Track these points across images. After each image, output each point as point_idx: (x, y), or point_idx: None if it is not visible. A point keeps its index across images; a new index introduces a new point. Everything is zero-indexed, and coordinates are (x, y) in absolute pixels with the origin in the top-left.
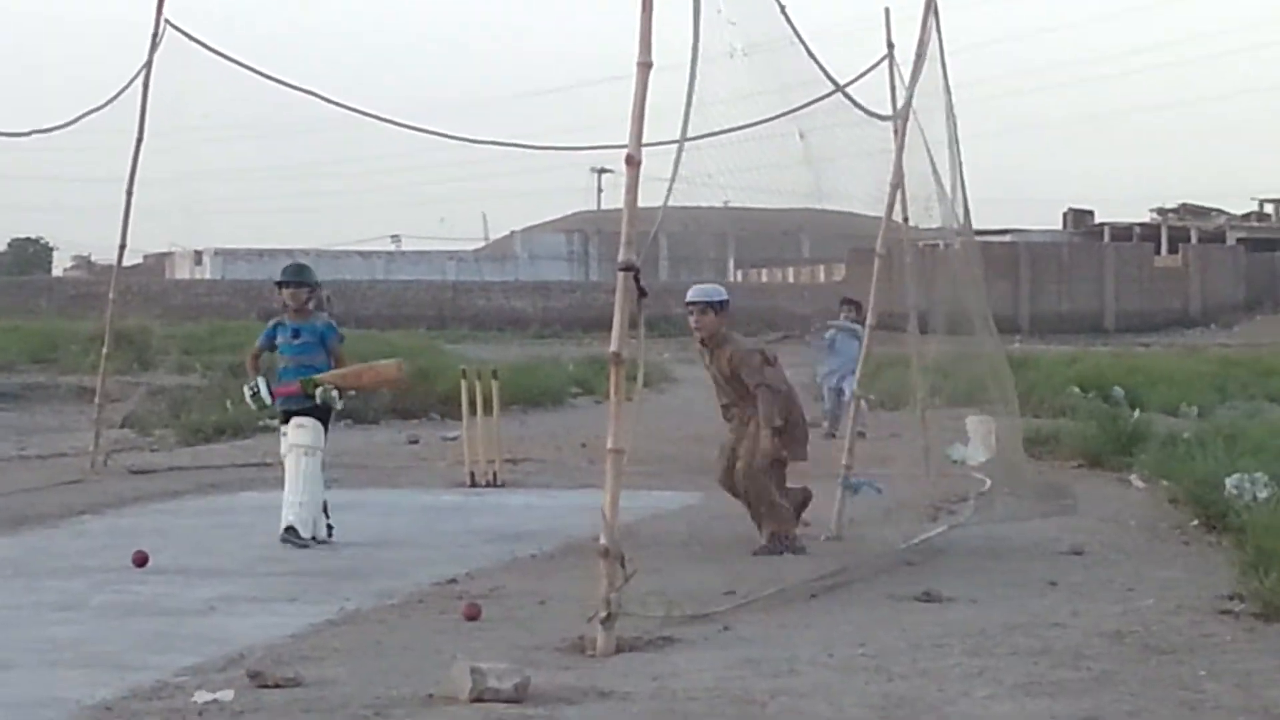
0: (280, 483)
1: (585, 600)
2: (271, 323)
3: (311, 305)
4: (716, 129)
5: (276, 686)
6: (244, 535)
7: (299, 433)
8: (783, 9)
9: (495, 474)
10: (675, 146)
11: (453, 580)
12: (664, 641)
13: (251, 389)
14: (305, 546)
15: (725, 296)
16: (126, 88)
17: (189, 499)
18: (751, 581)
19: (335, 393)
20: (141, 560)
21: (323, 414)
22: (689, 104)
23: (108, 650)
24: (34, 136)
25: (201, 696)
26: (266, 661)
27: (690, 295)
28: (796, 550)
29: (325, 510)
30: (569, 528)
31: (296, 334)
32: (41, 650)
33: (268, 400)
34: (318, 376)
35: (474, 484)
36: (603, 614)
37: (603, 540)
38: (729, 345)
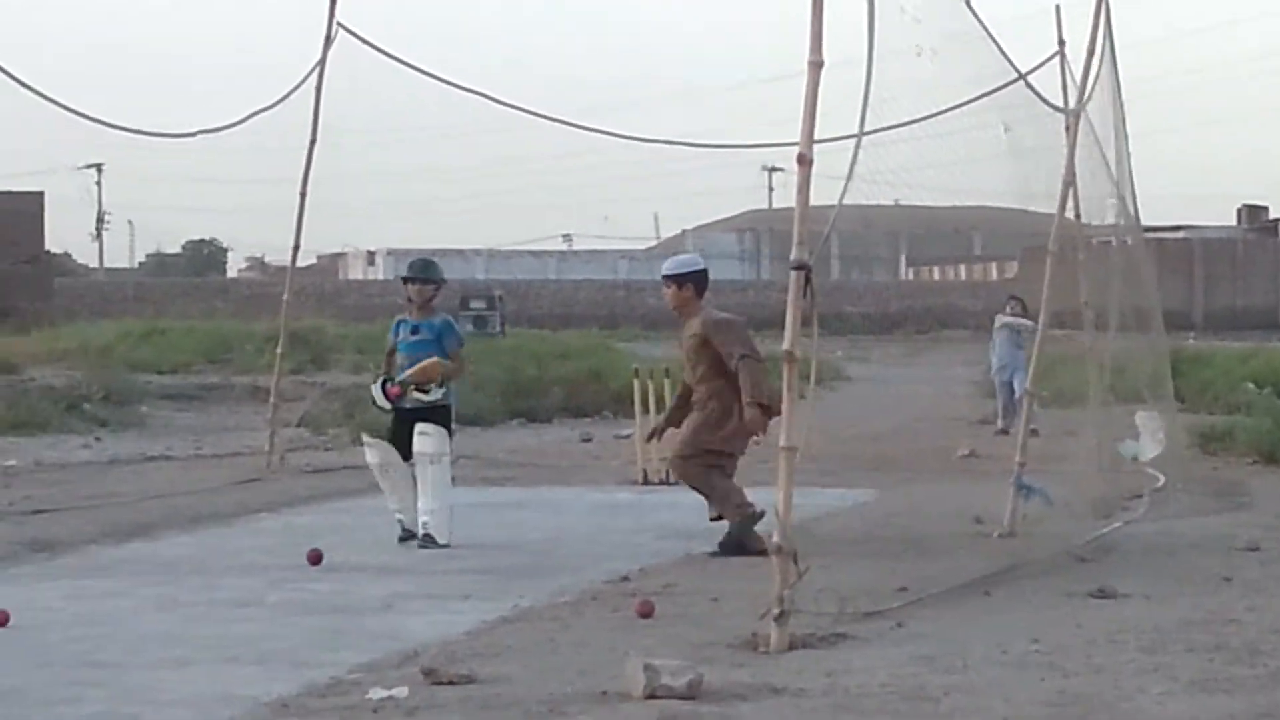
0: (372, 490)
1: (758, 597)
2: (396, 319)
3: (436, 303)
4: (891, 125)
5: (450, 684)
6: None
7: (423, 440)
8: (968, 3)
9: (668, 472)
10: (844, 144)
11: (626, 578)
12: (837, 638)
13: (371, 398)
14: (445, 547)
15: (700, 266)
16: (296, 88)
17: (363, 498)
18: (925, 578)
19: (428, 387)
20: (316, 559)
21: (443, 418)
22: (865, 102)
23: (284, 647)
24: (205, 138)
25: (376, 693)
26: (441, 659)
27: (664, 268)
28: (755, 518)
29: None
30: None
31: (415, 330)
32: (219, 647)
33: (385, 405)
34: (402, 376)
35: (647, 482)
36: (776, 611)
37: (776, 537)
38: (700, 314)
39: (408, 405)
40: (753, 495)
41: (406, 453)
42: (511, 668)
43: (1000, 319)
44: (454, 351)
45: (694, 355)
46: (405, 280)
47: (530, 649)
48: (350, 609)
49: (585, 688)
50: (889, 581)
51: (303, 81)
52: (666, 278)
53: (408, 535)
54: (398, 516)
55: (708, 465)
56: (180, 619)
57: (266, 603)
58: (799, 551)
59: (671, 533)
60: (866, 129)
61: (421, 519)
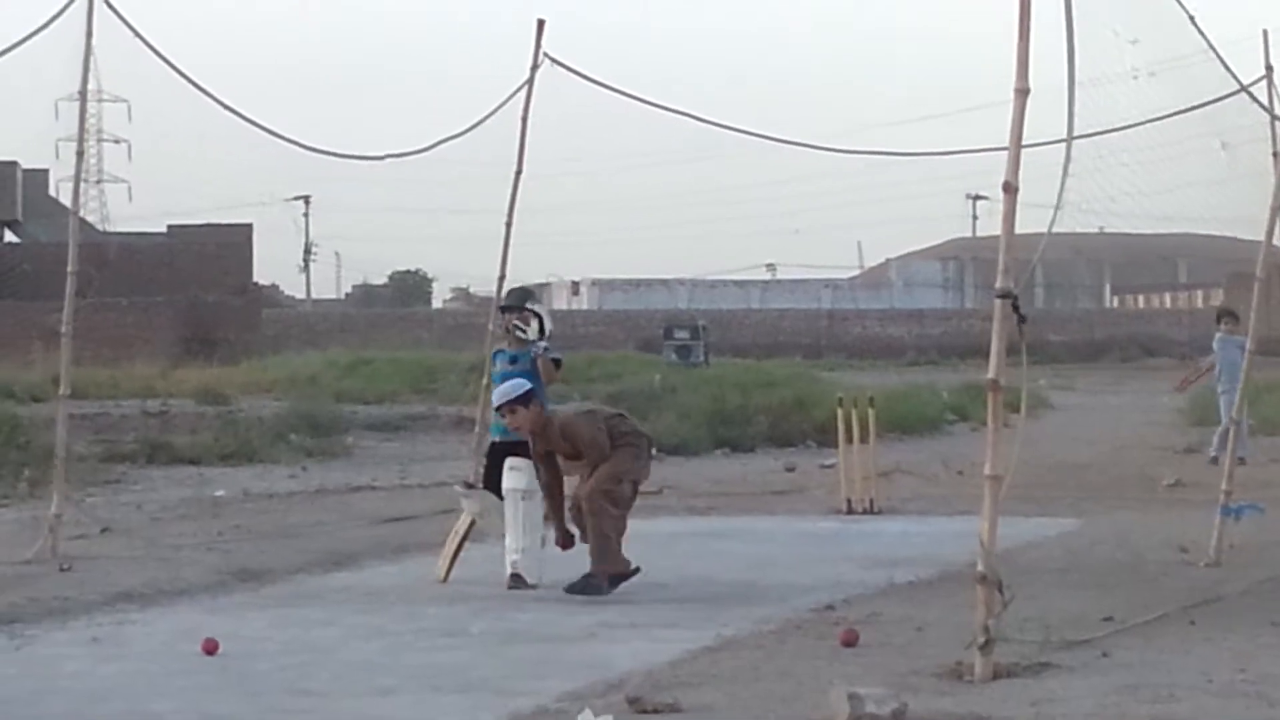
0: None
1: (963, 626)
2: (495, 349)
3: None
4: (1099, 153)
5: (655, 712)
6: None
7: (514, 475)
8: (1192, 19)
9: (872, 501)
10: (1051, 173)
11: (830, 606)
12: (1042, 667)
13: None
14: (534, 588)
15: (527, 387)
16: (488, 117)
17: None
18: (1130, 607)
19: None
20: (211, 649)
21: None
22: (1070, 130)
23: (489, 676)
24: (411, 168)
25: None
26: (645, 687)
27: (495, 400)
28: (598, 589)
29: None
30: (946, 554)
31: (514, 360)
32: (424, 676)
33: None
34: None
35: (851, 511)
36: (981, 640)
37: (980, 566)
38: (553, 424)
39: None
40: (959, 524)
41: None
42: (716, 696)
43: (1219, 337)
44: (549, 369)
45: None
46: (503, 310)
47: (734, 677)
48: (555, 638)
49: (789, 716)
50: (1094, 610)
51: (498, 109)
52: (499, 408)
53: (517, 583)
54: (513, 558)
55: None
56: (386, 647)
57: (471, 631)
58: (1004, 580)
59: (876, 562)
60: (1074, 154)
61: (511, 558)
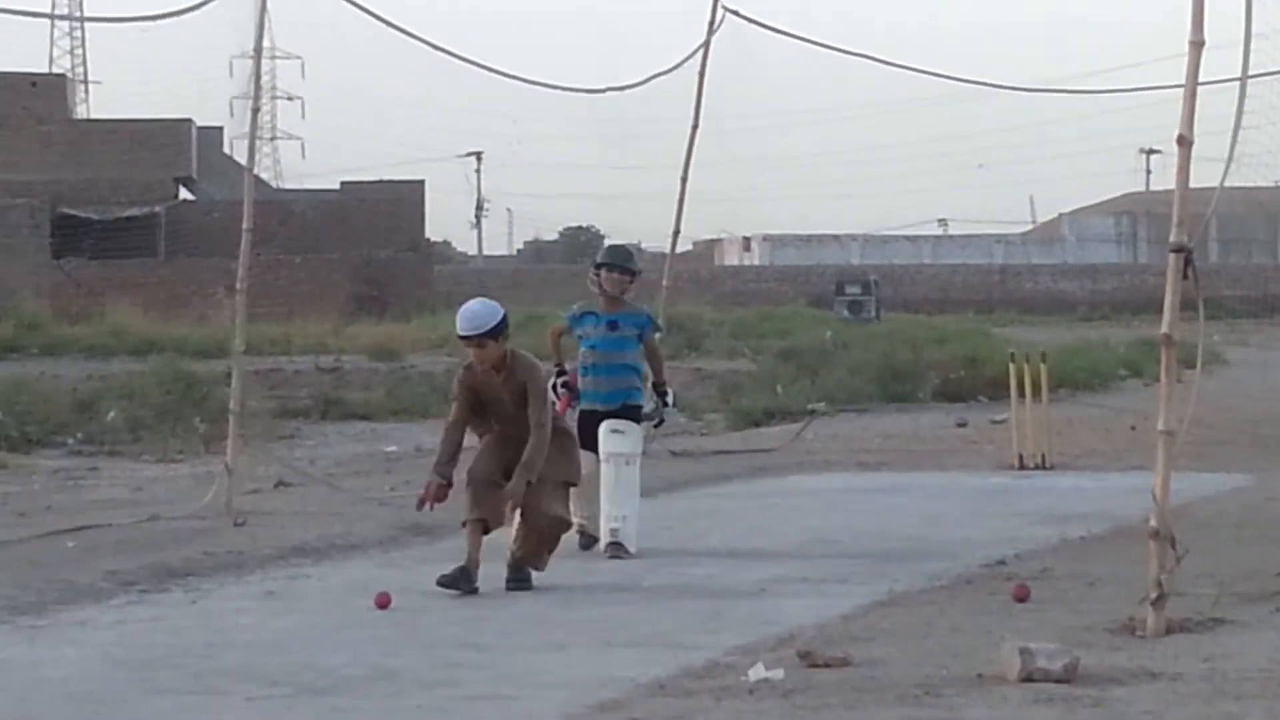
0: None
1: (1135, 582)
2: (576, 308)
3: (630, 296)
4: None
5: (826, 666)
6: (793, 518)
7: (616, 439)
8: None
9: (1044, 456)
10: (1224, 127)
11: (1001, 562)
12: (1215, 623)
13: (563, 378)
14: (634, 557)
15: (502, 314)
16: (668, 71)
17: (738, 482)
18: None
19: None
20: (384, 603)
21: (636, 414)
22: (1243, 83)
23: (660, 630)
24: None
25: (753, 675)
26: (816, 641)
27: (461, 328)
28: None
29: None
30: (1119, 510)
31: (614, 325)
32: (596, 630)
33: (554, 404)
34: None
35: (1023, 466)
36: (1153, 595)
37: (1153, 521)
38: (518, 364)
39: (601, 407)
40: (1132, 480)
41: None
42: (887, 651)
43: None
44: (652, 342)
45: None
46: (598, 266)
47: (905, 633)
48: (726, 592)
49: (960, 671)
50: (1268, 566)
51: (680, 63)
52: (467, 338)
53: (592, 542)
54: (580, 524)
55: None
56: (557, 602)
57: (642, 586)
58: (1176, 536)
59: (1048, 517)
60: (1248, 107)
61: (611, 525)
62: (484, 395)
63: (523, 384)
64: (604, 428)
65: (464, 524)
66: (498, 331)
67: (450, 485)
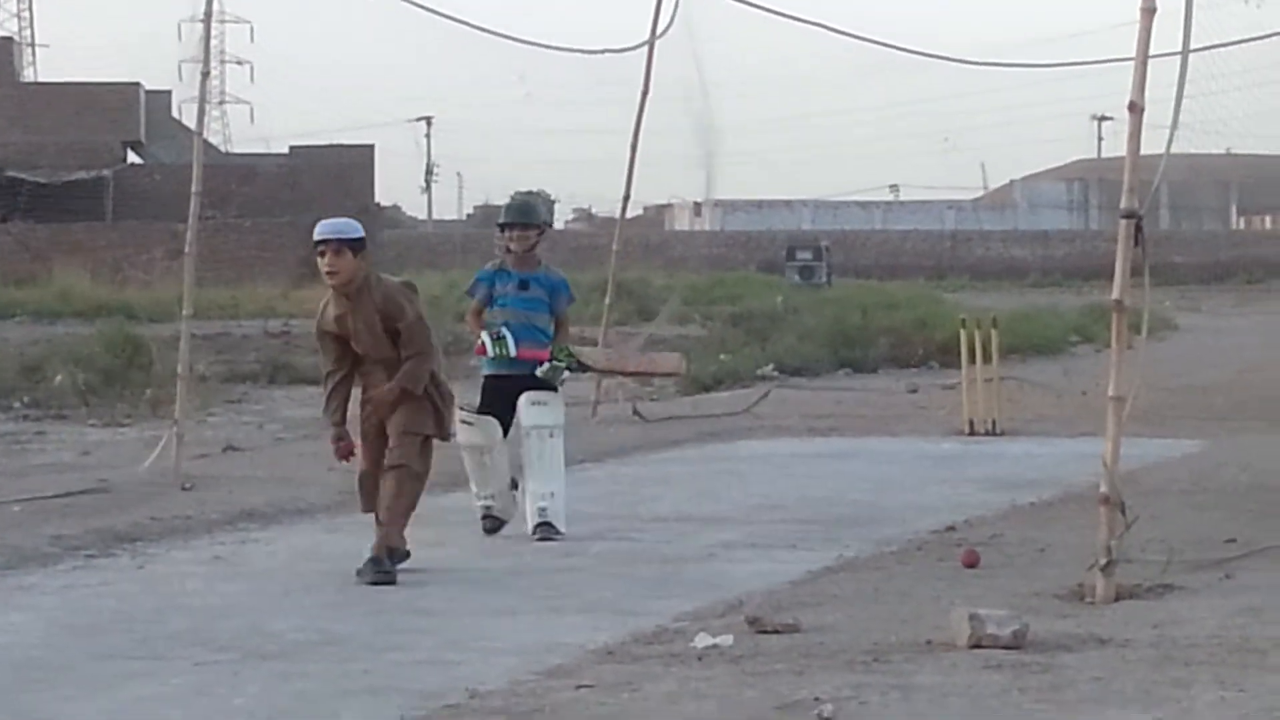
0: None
1: (1085, 548)
2: (489, 267)
3: (538, 251)
4: (1224, 74)
5: (775, 632)
6: (743, 483)
7: (538, 411)
8: None
9: (995, 422)
10: (1176, 92)
11: (951, 528)
12: (1164, 589)
13: (495, 335)
14: (564, 537)
15: (362, 233)
16: (663, 33)
17: (689, 447)
18: (1255, 529)
19: (566, 371)
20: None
21: (552, 384)
22: (1185, 48)
23: (609, 596)
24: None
25: (701, 641)
26: (765, 607)
27: (319, 232)
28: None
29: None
30: (1069, 476)
31: (524, 285)
32: (545, 596)
33: (513, 351)
34: (576, 349)
35: (973, 432)
36: (1102, 561)
37: (1103, 487)
38: (376, 288)
39: (517, 372)
40: (1082, 446)
41: (504, 427)
42: (836, 617)
43: None
44: (563, 314)
45: (376, 339)
46: (502, 226)
47: (855, 598)
48: (675, 558)
49: (909, 637)
50: (1217, 533)
51: (667, 28)
52: (323, 243)
53: (498, 525)
54: (485, 503)
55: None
56: (506, 568)
57: (591, 552)
58: (1126, 502)
59: (997, 483)
60: (1191, 76)
61: (538, 504)
62: (346, 334)
63: (384, 309)
64: (524, 400)
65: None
66: (357, 244)
67: (349, 441)
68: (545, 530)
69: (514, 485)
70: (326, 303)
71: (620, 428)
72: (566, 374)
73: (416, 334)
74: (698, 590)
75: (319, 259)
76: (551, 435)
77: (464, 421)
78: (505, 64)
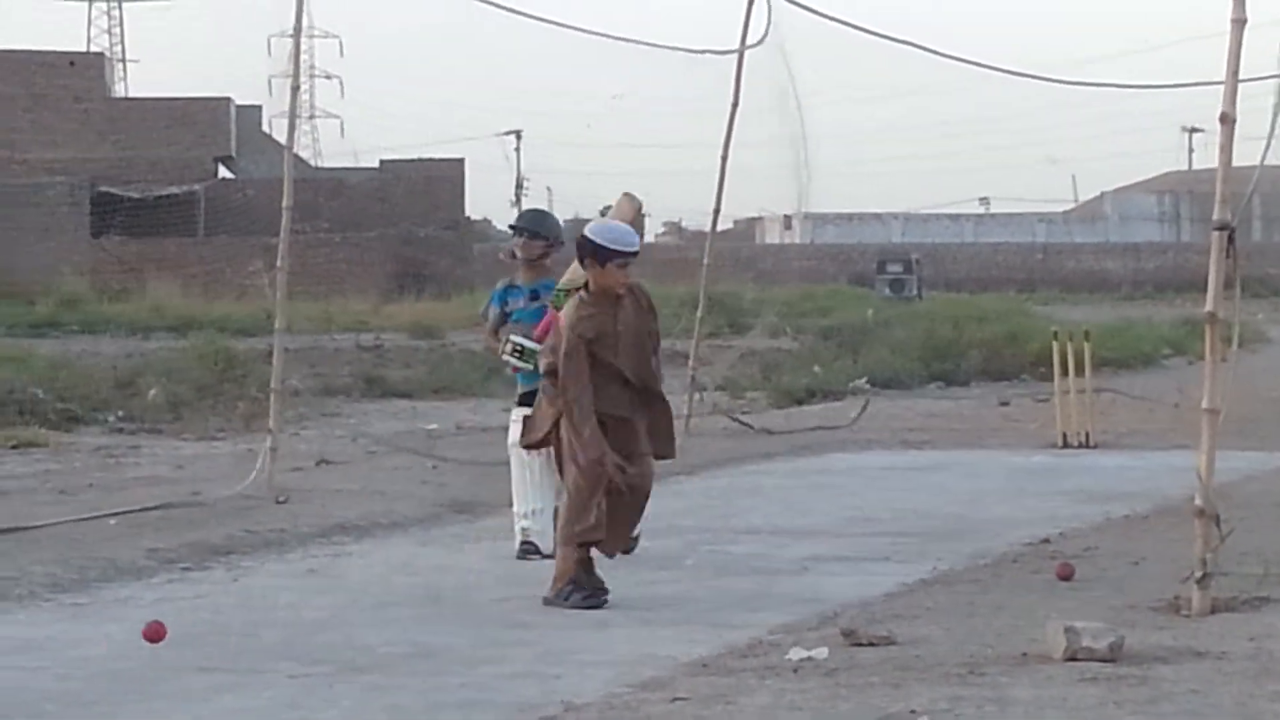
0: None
1: (1180, 560)
2: (500, 285)
3: (549, 264)
4: None
5: (870, 645)
6: (836, 496)
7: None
8: None
9: (1088, 435)
10: (1266, 104)
11: (1045, 540)
12: (1260, 601)
13: (515, 347)
14: (549, 558)
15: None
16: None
17: (781, 460)
18: None
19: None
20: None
21: None
22: None
23: (703, 608)
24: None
25: (796, 654)
26: (860, 620)
27: (619, 243)
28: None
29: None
30: (1163, 488)
31: (535, 295)
32: (640, 608)
33: (537, 347)
34: (565, 281)
35: (1066, 445)
36: (1198, 574)
37: (1198, 500)
38: (645, 295)
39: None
40: (1176, 458)
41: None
42: (930, 630)
43: None
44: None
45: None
46: (513, 230)
47: (949, 611)
48: (768, 570)
49: (1004, 650)
50: None
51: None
52: (626, 255)
53: (532, 551)
54: (524, 524)
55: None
56: None
57: (685, 565)
58: (1221, 514)
59: (1091, 496)
60: None
61: (521, 524)
62: (598, 333)
63: (647, 320)
64: (515, 414)
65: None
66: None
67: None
68: (526, 549)
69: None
70: (582, 292)
71: (712, 440)
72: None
73: (647, 350)
74: (791, 603)
75: (618, 270)
76: (535, 454)
77: (515, 422)
78: (596, 76)
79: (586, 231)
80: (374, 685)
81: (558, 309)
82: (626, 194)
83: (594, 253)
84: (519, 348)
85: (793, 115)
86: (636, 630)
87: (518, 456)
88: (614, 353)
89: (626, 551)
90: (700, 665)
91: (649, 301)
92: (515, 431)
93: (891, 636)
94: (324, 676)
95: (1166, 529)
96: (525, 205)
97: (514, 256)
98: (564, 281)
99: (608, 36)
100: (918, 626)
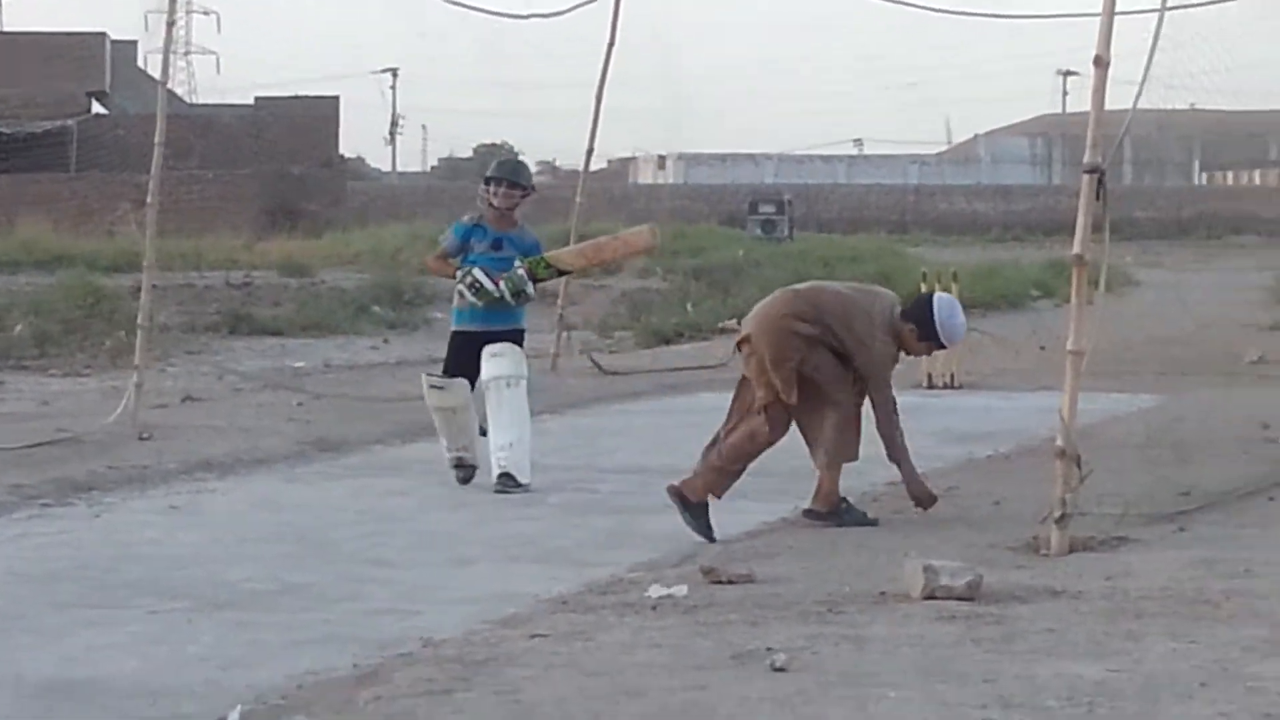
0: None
1: (1040, 501)
2: (466, 220)
3: (519, 214)
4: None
5: (730, 583)
6: (701, 435)
7: (498, 362)
8: None
9: (953, 376)
10: (1139, 48)
11: None
12: (1118, 542)
13: (475, 282)
14: (526, 489)
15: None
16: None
17: (649, 399)
18: (1209, 483)
19: (531, 283)
20: None
21: (519, 341)
22: (1163, 5)
23: (564, 546)
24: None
25: (655, 591)
26: (720, 558)
27: (959, 336)
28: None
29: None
30: (1027, 429)
31: (498, 244)
32: (502, 546)
33: (493, 290)
34: (548, 254)
35: (931, 385)
36: (1057, 514)
37: (1059, 441)
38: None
39: (484, 327)
40: (1041, 400)
41: (472, 382)
42: (790, 568)
43: None
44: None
45: None
46: (488, 180)
47: (809, 550)
48: (632, 509)
49: (864, 588)
50: (1172, 486)
51: None
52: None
53: (470, 473)
54: (457, 455)
55: None
56: (463, 519)
57: (548, 503)
58: (1082, 455)
59: (955, 436)
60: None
61: (497, 456)
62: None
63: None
64: (485, 352)
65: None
66: None
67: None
68: (504, 482)
69: (483, 433)
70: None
71: (580, 380)
72: (530, 286)
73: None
74: (653, 541)
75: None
76: (509, 385)
77: (433, 387)
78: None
79: (937, 319)
80: (235, 621)
81: (533, 273)
82: (650, 228)
83: (929, 337)
84: (478, 283)
85: (662, 56)
86: (498, 568)
87: (439, 418)
88: None
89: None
90: (560, 602)
91: None
92: (430, 397)
93: (751, 575)
94: (185, 612)
95: (1029, 469)
96: (399, 143)
97: (491, 207)
98: (552, 255)
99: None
100: (777, 565)
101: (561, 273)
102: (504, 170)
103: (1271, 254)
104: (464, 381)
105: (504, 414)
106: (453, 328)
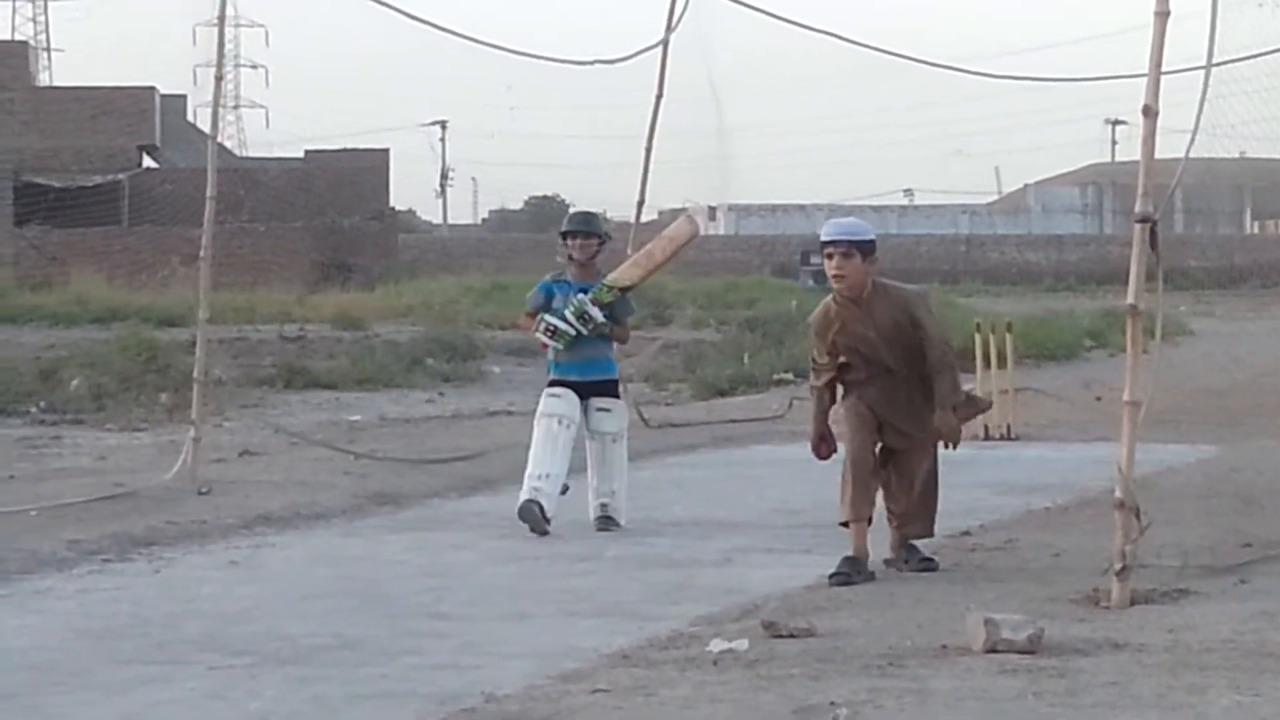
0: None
1: (1100, 553)
2: (549, 277)
3: (599, 261)
4: (1237, 78)
5: (791, 636)
6: (758, 488)
7: (605, 418)
8: None
9: (1009, 427)
10: (1188, 98)
11: (966, 533)
12: (1179, 594)
13: (549, 326)
14: (622, 529)
15: (872, 235)
16: (658, 44)
17: (704, 452)
18: (1270, 534)
19: (597, 308)
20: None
21: (617, 392)
22: (1210, 52)
23: (624, 600)
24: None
25: (717, 645)
26: (781, 612)
27: (828, 233)
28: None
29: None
30: (1084, 481)
31: (584, 294)
32: (560, 601)
33: (567, 328)
34: (610, 277)
35: (987, 437)
36: (1117, 566)
37: (1118, 492)
38: (887, 293)
39: (584, 378)
40: (1097, 450)
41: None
42: (851, 622)
43: None
44: (624, 319)
45: (887, 343)
46: (564, 235)
47: (870, 603)
48: (690, 563)
49: (925, 642)
50: (1232, 537)
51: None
52: (832, 244)
53: (536, 514)
54: (535, 484)
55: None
56: (521, 572)
57: (606, 556)
58: (1141, 507)
59: (1012, 488)
60: (1211, 82)
61: (600, 500)
62: (844, 337)
63: (894, 318)
64: (591, 405)
65: (844, 524)
66: (867, 247)
67: (832, 443)
68: (605, 523)
69: (564, 491)
70: (829, 307)
71: (635, 432)
72: (596, 310)
73: (941, 348)
74: (713, 595)
75: (825, 260)
76: (614, 440)
77: (552, 395)
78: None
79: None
80: (296, 677)
81: (600, 301)
82: (687, 215)
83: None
84: (551, 327)
85: (716, 107)
86: (558, 622)
87: (546, 425)
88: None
89: None
90: (621, 657)
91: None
92: (547, 404)
93: (812, 628)
94: (246, 668)
95: (1087, 521)
96: (450, 196)
97: (571, 260)
98: (611, 278)
99: (492, 46)
100: (838, 618)
101: (624, 290)
102: (576, 223)
103: None
104: (578, 399)
105: (608, 464)
106: (551, 376)
